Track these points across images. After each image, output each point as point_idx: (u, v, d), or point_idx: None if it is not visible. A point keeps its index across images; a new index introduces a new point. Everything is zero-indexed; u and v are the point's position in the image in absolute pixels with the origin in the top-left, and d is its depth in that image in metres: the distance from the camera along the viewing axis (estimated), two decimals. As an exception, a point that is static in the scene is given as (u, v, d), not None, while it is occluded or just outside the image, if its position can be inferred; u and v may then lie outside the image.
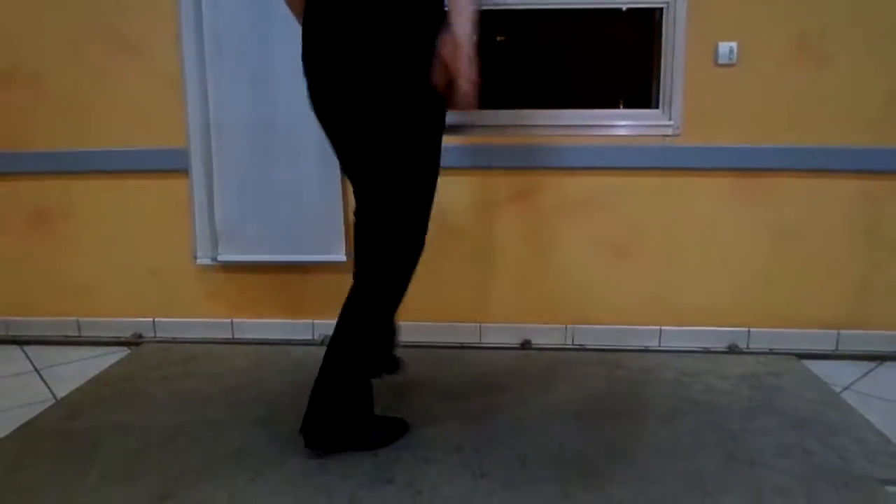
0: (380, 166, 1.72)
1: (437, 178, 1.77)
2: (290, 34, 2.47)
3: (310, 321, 2.75)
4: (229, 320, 2.78)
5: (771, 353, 2.58)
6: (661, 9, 2.47)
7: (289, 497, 1.61)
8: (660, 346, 2.65)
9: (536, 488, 1.64)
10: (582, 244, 2.61)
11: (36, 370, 2.49)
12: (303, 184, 2.56)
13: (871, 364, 2.50)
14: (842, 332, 2.59)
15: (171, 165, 2.63)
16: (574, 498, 1.60)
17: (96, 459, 1.79)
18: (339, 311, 2.63)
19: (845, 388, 2.27)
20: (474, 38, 1.58)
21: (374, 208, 1.78)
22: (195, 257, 2.68)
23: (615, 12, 2.56)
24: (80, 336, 2.82)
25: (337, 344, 1.78)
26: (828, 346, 2.60)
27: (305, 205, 2.58)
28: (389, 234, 1.76)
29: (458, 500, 1.60)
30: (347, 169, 1.83)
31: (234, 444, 1.87)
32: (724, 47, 2.41)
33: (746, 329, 2.63)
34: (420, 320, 2.64)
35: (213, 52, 2.50)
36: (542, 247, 2.61)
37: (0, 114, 2.67)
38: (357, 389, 1.80)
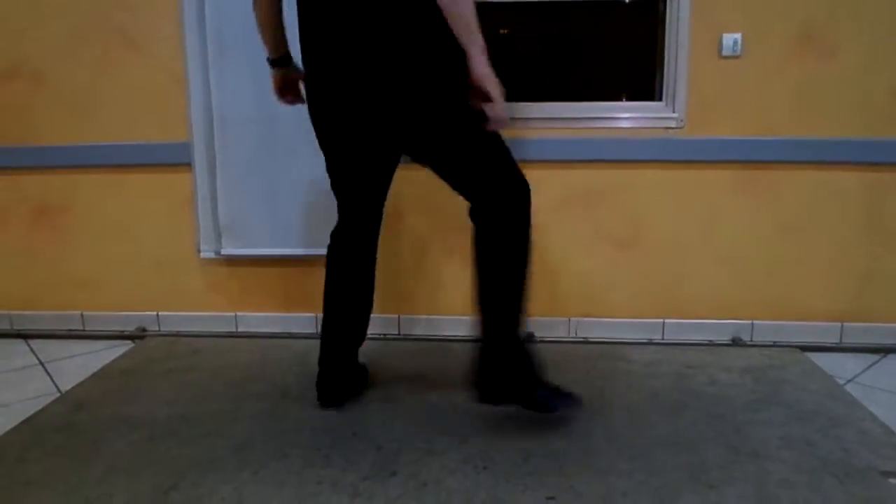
0: (456, 151, 1.80)
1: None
2: (293, 27, 2.47)
3: (313, 314, 2.75)
4: (233, 314, 2.79)
5: (774, 345, 2.57)
6: (665, 0, 2.46)
7: (293, 489, 1.62)
8: (663, 339, 2.65)
9: (540, 480, 1.64)
10: (585, 237, 2.61)
11: (41, 364, 2.49)
12: (306, 177, 2.56)
13: (875, 356, 2.50)
14: (846, 324, 2.59)
15: (175, 159, 2.64)
16: (577, 490, 1.60)
17: (101, 452, 1.80)
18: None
19: (849, 381, 2.27)
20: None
21: (474, 178, 1.82)
22: (199, 251, 2.69)
23: (618, 4, 2.55)
24: (84, 330, 2.82)
25: (498, 303, 1.84)
26: (832, 339, 2.59)
27: (308, 198, 2.58)
28: (501, 189, 1.81)
29: (461, 492, 1.60)
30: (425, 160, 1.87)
31: (239, 436, 1.87)
32: (729, 39, 2.40)
33: (750, 321, 2.62)
34: (424, 314, 2.64)
35: (216, 46, 2.49)
36: (545, 240, 2.60)
37: (3, 108, 2.67)
38: (519, 345, 1.86)
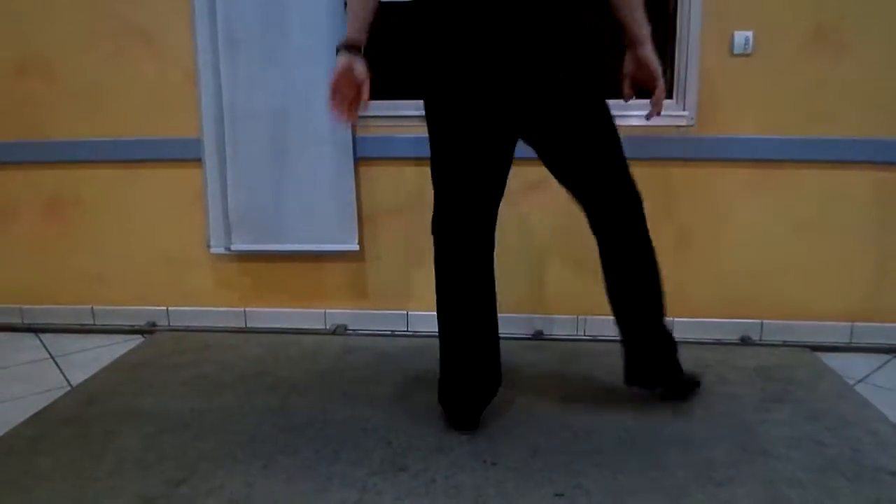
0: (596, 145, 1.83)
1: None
2: (304, 22, 2.48)
3: (322, 310, 2.76)
4: (242, 309, 2.80)
5: (784, 345, 2.56)
6: (677, -2, 2.45)
7: (302, 484, 1.63)
8: (672, 338, 2.64)
9: (548, 477, 1.64)
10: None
11: (51, 357, 2.51)
12: (316, 173, 2.56)
13: (886, 357, 2.49)
14: (856, 324, 2.58)
15: (185, 155, 2.65)
16: (586, 487, 1.60)
17: (111, 446, 1.81)
18: (352, 300, 2.64)
19: (859, 381, 2.26)
20: None
21: (605, 178, 1.86)
22: (209, 246, 2.69)
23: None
24: (94, 324, 2.84)
25: (644, 296, 1.94)
26: (842, 339, 2.58)
27: (319, 194, 2.58)
28: (620, 197, 1.88)
29: (470, 488, 1.60)
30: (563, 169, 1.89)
31: (248, 431, 1.88)
32: (740, 37, 2.39)
33: (760, 321, 2.61)
34: (433, 311, 2.64)
35: (226, 41, 2.50)
36: (554, 237, 2.60)
37: (14, 103, 2.69)
38: (668, 335, 1.99)
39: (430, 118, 1.83)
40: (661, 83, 1.84)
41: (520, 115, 1.78)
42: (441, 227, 1.87)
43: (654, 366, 1.99)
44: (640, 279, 1.93)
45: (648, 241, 1.92)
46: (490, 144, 1.80)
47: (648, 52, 1.79)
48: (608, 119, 1.82)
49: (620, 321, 1.98)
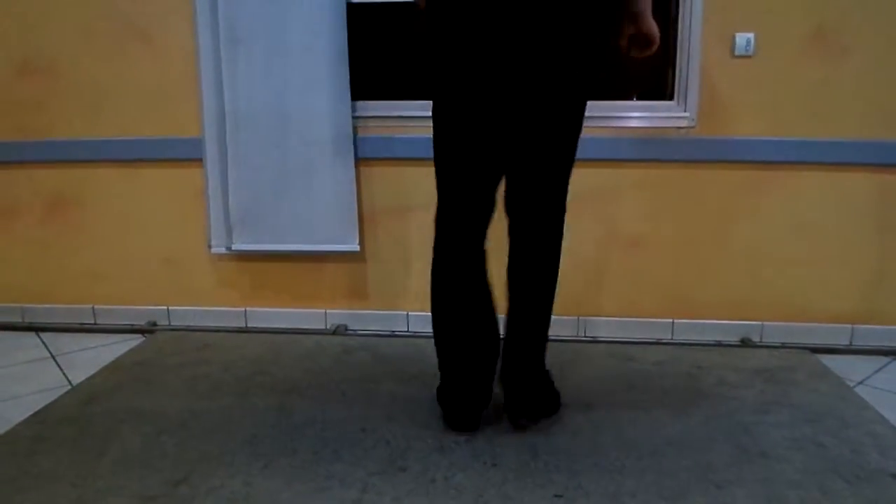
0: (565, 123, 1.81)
1: None
2: (305, 21, 2.48)
3: (323, 310, 2.76)
4: (243, 309, 2.80)
5: (784, 346, 2.56)
6: (678, -1, 2.46)
7: (302, 484, 1.63)
8: (672, 339, 2.65)
9: (548, 478, 1.64)
10: (595, 236, 2.60)
11: (52, 356, 2.51)
12: (317, 173, 2.57)
13: (886, 359, 2.49)
14: (856, 326, 2.58)
15: (186, 154, 2.65)
16: (585, 488, 1.60)
17: (111, 445, 1.81)
18: (352, 300, 2.64)
19: (859, 383, 2.26)
20: None
21: (546, 166, 1.84)
22: (209, 246, 2.70)
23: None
24: (95, 323, 2.84)
25: (539, 321, 1.89)
26: (842, 341, 2.58)
27: (320, 194, 2.59)
28: (561, 197, 1.89)
29: (470, 488, 1.60)
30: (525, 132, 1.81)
31: (248, 430, 1.88)
32: (742, 38, 2.39)
33: (760, 323, 2.62)
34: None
35: (228, 41, 2.50)
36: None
37: (16, 103, 2.69)
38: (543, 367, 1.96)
39: (436, 99, 1.82)
40: (656, 46, 1.82)
41: (513, 83, 1.74)
42: (443, 218, 1.87)
43: (534, 396, 1.92)
44: (540, 283, 1.89)
45: (558, 248, 1.90)
46: (487, 116, 1.77)
47: (648, 20, 1.77)
48: (580, 123, 1.83)
49: (510, 329, 1.90)
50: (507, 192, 1.87)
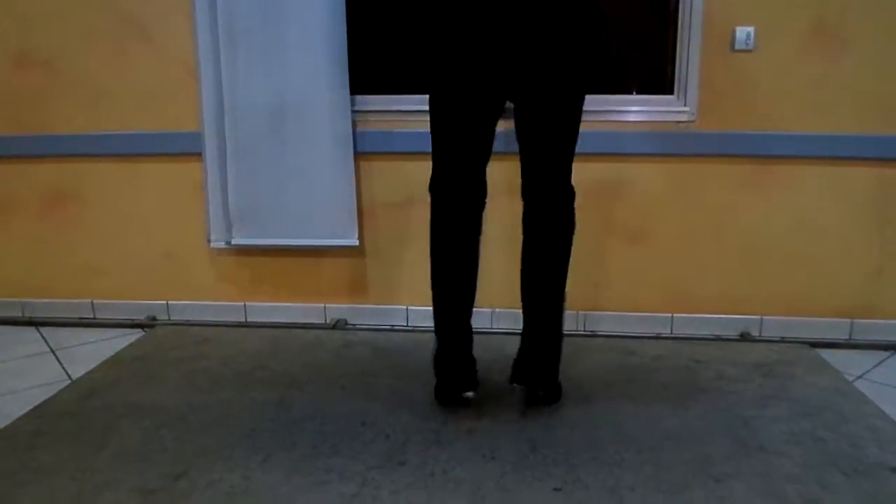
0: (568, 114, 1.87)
1: None
2: (304, 16, 2.47)
3: (322, 305, 2.76)
4: (242, 303, 2.80)
5: (783, 341, 2.56)
6: (678, -7, 2.45)
7: (301, 477, 1.63)
8: (672, 333, 2.65)
9: (546, 471, 1.64)
10: (594, 231, 2.60)
11: (51, 351, 2.51)
12: (316, 168, 2.56)
13: (885, 353, 2.49)
14: (855, 320, 2.58)
15: (185, 149, 2.64)
16: (584, 482, 1.60)
17: (111, 439, 1.81)
18: (351, 294, 2.63)
19: (858, 377, 2.26)
20: None
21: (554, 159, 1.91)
22: (209, 240, 2.70)
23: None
24: (94, 318, 2.84)
25: (554, 305, 2.00)
26: (841, 335, 2.58)
27: (319, 189, 2.59)
28: (567, 179, 1.94)
29: (469, 481, 1.60)
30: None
31: (248, 425, 1.88)
32: (742, 32, 2.39)
33: (759, 317, 2.61)
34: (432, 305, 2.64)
35: (227, 35, 2.49)
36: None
37: (15, 97, 2.69)
38: (560, 338, 2.03)
39: (430, 78, 1.89)
40: None
41: (509, 78, 1.82)
42: (437, 184, 1.95)
43: (542, 366, 1.99)
44: (554, 267, 1.98)
45: (571, 232, 1.98)
46: (480, 99, 1.86)
47: None
48: (580, 110, 1.89)
49: (527, 310, 2.02)
50: (521, 178, 1.97)
